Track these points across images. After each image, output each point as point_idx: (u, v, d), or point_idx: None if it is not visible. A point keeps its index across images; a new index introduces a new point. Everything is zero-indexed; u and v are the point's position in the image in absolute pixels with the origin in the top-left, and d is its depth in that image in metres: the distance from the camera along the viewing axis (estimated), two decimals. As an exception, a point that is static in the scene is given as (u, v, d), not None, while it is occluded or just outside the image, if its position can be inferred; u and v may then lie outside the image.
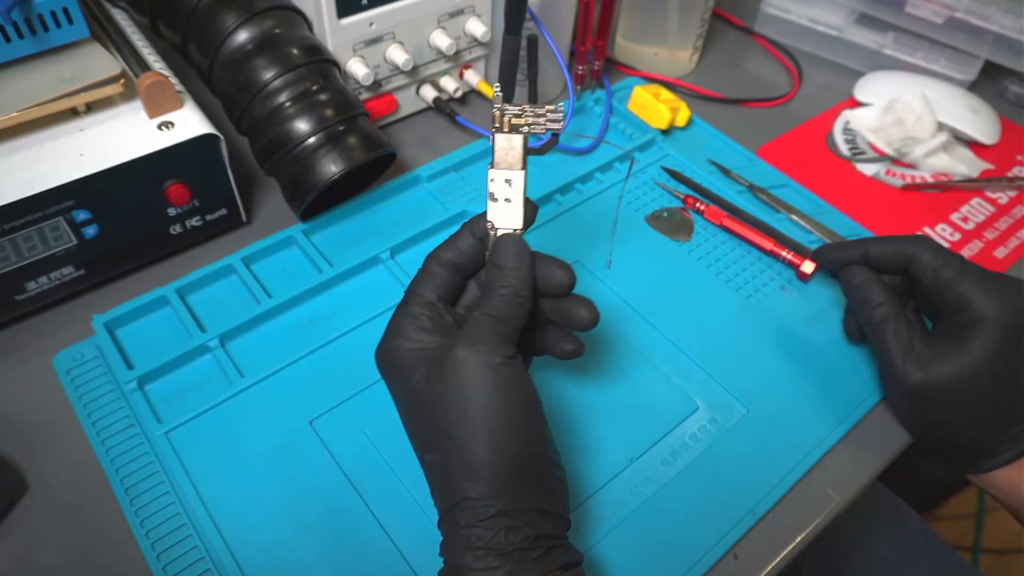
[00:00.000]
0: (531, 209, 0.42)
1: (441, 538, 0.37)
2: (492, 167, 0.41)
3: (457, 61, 0.71)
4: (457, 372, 0.36)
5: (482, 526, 0.35)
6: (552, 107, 0.40)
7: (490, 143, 0.41)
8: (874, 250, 0.51)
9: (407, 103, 0.72)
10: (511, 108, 0.40)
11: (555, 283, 0.40)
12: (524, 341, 0.42)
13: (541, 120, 0.40)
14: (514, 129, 0.41)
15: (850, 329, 0.55)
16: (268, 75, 0.55)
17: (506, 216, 0.41)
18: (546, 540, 0.36)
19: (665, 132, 0.72)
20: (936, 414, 0.47)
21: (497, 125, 0.41)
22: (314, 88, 0.56)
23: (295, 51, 0.56)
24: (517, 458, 0.36)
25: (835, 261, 0.53)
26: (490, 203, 0.41)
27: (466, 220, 0.64)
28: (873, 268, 0.51)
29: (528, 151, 0.41)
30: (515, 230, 0.41)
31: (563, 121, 0.40)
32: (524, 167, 0.41)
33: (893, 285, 0.51)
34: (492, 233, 0.42)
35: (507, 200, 0.41)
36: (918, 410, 0.48)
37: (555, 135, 0.42)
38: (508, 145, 0.41)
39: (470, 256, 0.42)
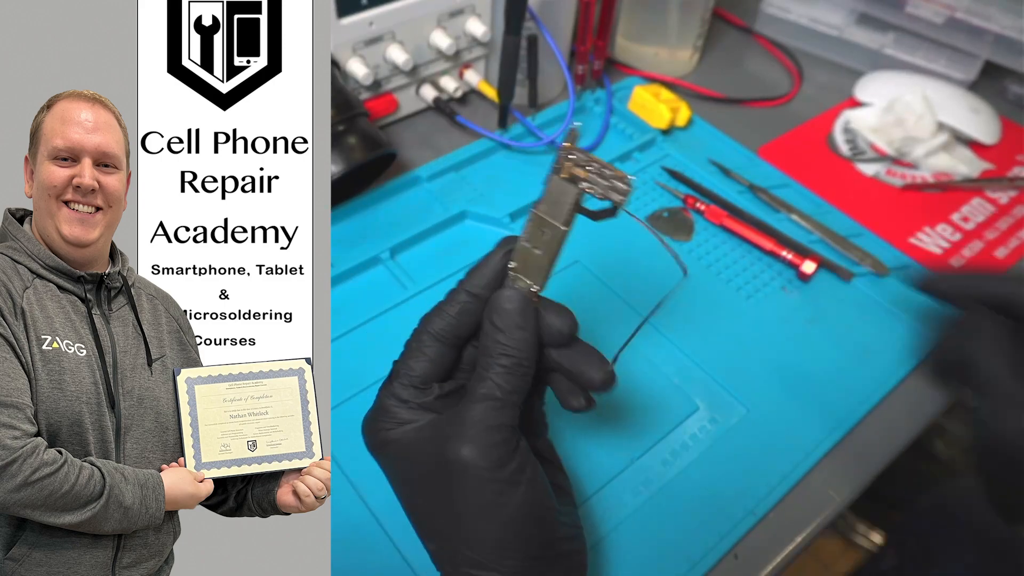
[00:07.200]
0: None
1: None
2: (536, 207, 0.35)
3: (457, 61, 0.71)
4: (457, 479, 0.34)
5: None
6: (624, 176, 0.34)
7: (544, 182, 0.36)
8: (989, 288, 0.44)
9: (407, 103, 0.72)
10: (578, 154, 0.34)
11: (553, 332, 0.37)
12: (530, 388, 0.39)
13: (602, 182, 0.34)
14: (572, 179, 0.34)
15: (937, 367, 0.46)
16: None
17: (530, 265, 0.36)
18: None
19: (665, 132, 0.72)
20: None
21: (557, 166, 0.35)
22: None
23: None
24: (532, 550, 0.35)
25: (949, 295, 0.46)
26: (520, 242, 0.36)
27: (465, 222, 0.65)
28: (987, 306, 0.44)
29: (579, 209, 0.35)
30: (531, 287, 0.36)
31: (627, 194, 0.34)
32: (568, 225, 0.35)
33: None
34: (509, 275, 0.36)
35: (537, 251, 0.36)
36: (1015, 459, 0.41)
37: (614, 206, 0.35)
38: (558, 195, 0.35)
39: (464, 323, 0.38)
